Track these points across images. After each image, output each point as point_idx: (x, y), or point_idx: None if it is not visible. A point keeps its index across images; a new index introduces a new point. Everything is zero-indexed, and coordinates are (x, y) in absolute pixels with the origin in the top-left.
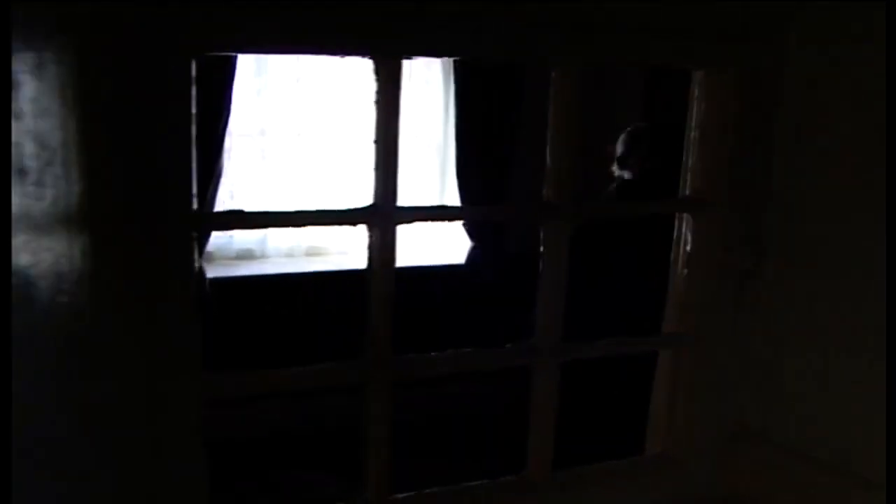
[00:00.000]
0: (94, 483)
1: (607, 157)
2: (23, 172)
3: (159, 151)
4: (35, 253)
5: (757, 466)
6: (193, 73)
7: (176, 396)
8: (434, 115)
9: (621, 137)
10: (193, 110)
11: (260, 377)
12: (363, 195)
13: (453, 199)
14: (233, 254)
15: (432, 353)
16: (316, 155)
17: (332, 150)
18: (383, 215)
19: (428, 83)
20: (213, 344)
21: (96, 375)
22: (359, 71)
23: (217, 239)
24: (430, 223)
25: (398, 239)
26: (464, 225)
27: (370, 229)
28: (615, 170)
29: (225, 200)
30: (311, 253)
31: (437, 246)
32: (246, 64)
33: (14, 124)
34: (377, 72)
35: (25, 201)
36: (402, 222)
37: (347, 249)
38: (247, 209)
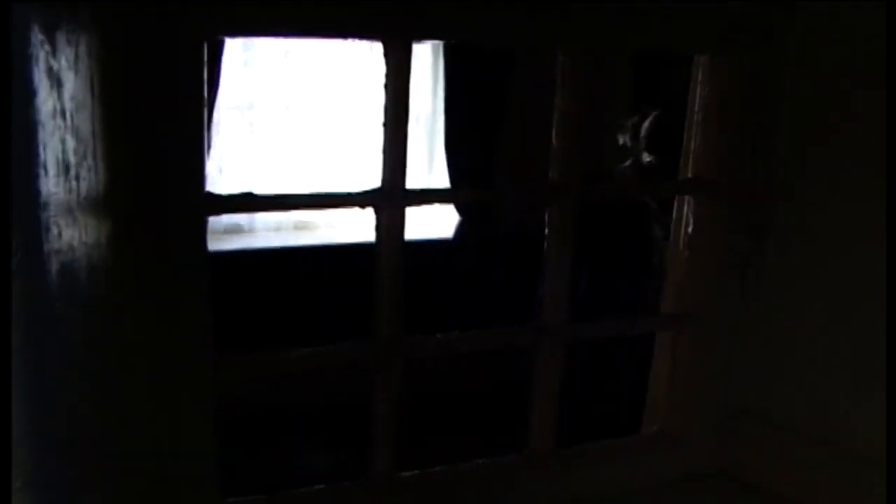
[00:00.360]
0: (105, 465)
1: (625, 131)
2: (67, 168)
3: (172, 135)
4: (76, 249)
5: (756, 446)
6: (205, 56)
7: (190, 378)
8: (422, 88)
9: (649, 119)
10: (205, 94)
11: (270, 360)
12: (353, 168)
13: (441, 172)
14: (221, 228)
15: (439, 335)
16: (305, 128)
17: (321, 124)
18: (392, 198)
19: (416, 56)
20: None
21: (121, 362)
22: (348, 45)
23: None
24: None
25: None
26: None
27: (378, 212)
28: (626, 141)
29: (214, 175)
30: (300, 227)
31: (425, 220)
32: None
33: (60, 122)
34: (387, 55)
35: (68, 197)
36: (411, 204)
37: (336, 223)
38: (258, 192)
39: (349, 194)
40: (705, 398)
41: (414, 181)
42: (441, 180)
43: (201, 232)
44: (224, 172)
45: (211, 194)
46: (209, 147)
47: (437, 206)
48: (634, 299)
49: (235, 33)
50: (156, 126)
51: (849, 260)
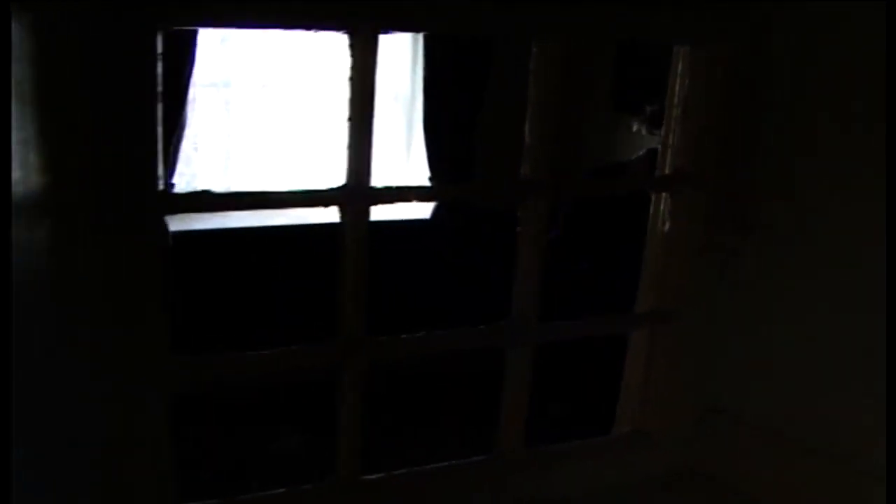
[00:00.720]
0: (60, 468)
1: (641, 119)
2: None
3: (122, 134)
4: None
5: (729, 444)
6: (160, 49)
7: (145, 382)
8: (402, 66)
9: None
10: (160, 88)
11: (228, 362)
12: (330, 148)
13: (420, 153)
14: None
15: (404, 336)
16: (281, 107)
17: (298, 102)
18: (356, 196)
19: (394, 36)
20: (175, 299)
21: (74, 367)
22: None
23: (178, 191)
24: (395, 180)
25: None
26: (430, 179)
27: (342, 210)
28: (643, 129)
29: (189, 153)
30: None
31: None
32: None
33: None
34: (352, 47)
35: None
36: (377, 203)
37: None
38: (216, 190)
39: (312, 192)
40: (680, 397)
41: (392, 161)
42: (420, 160)
43: (156, 232)
44: (200, 151)
45: (165, 193)
46: (184, 125)
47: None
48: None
49: (192, 24)
50: (103, 126)
51: (832, 261)
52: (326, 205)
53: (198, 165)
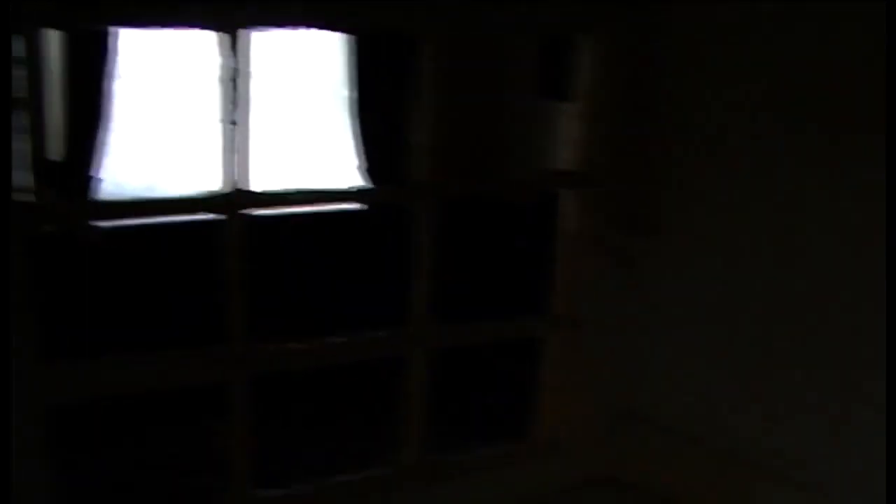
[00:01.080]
0: None
1: None
2: None
3: None
4: None
5: (642, 449)
6: (20, 52)
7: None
8: (332, 54)
9: None
10: (19, 93)
11: (104, 378)
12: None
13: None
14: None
15: (293, 345)
16: (205, 98)
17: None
18: (231, 203)
19: None
20: (106, 294)
21: None
22: None
23: (107, 186)
24: (327, 166)
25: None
26: (366, 170)
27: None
28: None
29: (115, 145)
30: None
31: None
32: None
33: None
34: (225, 45)
35: None
36: (253, 207)
37: None
38: (83, 200)
39: (189, 199)
40: (591, 403)
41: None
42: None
43: (10, 245)
44: (124, 143)
45: (22, 204)
46: (107, 119)
47: (347, 175)
48: None
49: (43, 27)
50: None
51: (737, 256)
52: (204, 210)
53: (122, 159)
